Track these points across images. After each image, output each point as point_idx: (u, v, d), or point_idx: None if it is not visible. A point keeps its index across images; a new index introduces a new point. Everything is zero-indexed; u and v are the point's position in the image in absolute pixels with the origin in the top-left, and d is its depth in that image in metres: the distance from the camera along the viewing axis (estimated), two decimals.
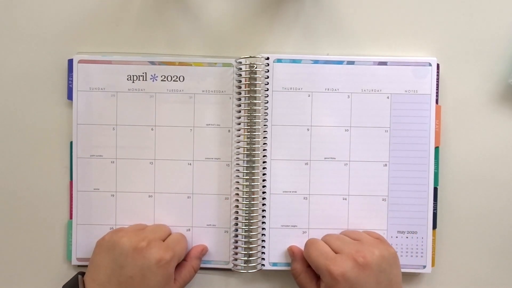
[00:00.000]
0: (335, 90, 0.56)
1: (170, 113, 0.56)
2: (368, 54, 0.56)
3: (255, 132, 0.55)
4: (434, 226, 0.56)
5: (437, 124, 0.56)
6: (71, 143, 0.56)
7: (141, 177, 0.56)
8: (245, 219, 0.55)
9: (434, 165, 0.56)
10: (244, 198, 0.55)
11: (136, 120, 0.56)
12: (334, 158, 0.56)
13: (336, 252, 0.50)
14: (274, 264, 0.56)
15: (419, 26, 0.57)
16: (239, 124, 0.55)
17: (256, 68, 0.55)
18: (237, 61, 0.55)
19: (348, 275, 0.48)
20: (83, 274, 0.51)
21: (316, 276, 0.52)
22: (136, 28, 0.57)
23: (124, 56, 0.56)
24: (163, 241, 0.52)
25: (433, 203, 0.56)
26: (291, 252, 0.55)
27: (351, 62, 0.56)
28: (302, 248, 0.55)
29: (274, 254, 0.56)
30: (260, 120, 0.55)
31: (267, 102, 0.56)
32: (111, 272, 0.49)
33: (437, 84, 0.56)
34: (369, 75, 0.56)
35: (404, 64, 0.56)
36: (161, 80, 0.56)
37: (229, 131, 0.56)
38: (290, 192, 0.56)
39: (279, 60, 0.56)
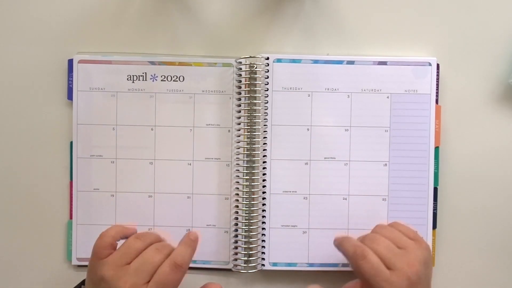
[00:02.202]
0: (335, 90, 0.56)
1: (170, 113, 0.56)
2: (368, 54, 0.56)
3: (255, 132, 0.55)
4: (434, 226, 0.56)
5: (437, 124, 0.56)
6: (71, 143, 0.56)
7: (141, 177, 0.56)
8: (245, 219, 0.55)
9: (434, 165, 0.56)
10: (244, 198, 0.55)
11: (136, 120, 0.56)
12: (334, 158, 0.56)
13: (388, 267, 0.47)
14: (274, 264, 0.56)
15: (419, 26, 0.57)
16: (239, 124, 0.55)
17: (256, 68, 0.55)
18: (237, 61, 0.55)
19: None
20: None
21: None
22: (136, 28, 0.57)
23: (124, 56, 0.56)
24: (148, 282, 0.46)
25: (433, 203, 0.56)
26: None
27: (351, 62, 0.56)
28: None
29: (274, 254, 0.56)
30: (260, 120, 0.55)
31: (267, 102, 0.56)
32: None
33: (437, 84, 0.56)
34: (369, 75, 0.56)
35: (404, 64, 0.56)
36: (161, 80, 0.56)
37: (229, 131, 0.56)
38: (290, 192, 0.56)
39: (279, 60, 0.56)
